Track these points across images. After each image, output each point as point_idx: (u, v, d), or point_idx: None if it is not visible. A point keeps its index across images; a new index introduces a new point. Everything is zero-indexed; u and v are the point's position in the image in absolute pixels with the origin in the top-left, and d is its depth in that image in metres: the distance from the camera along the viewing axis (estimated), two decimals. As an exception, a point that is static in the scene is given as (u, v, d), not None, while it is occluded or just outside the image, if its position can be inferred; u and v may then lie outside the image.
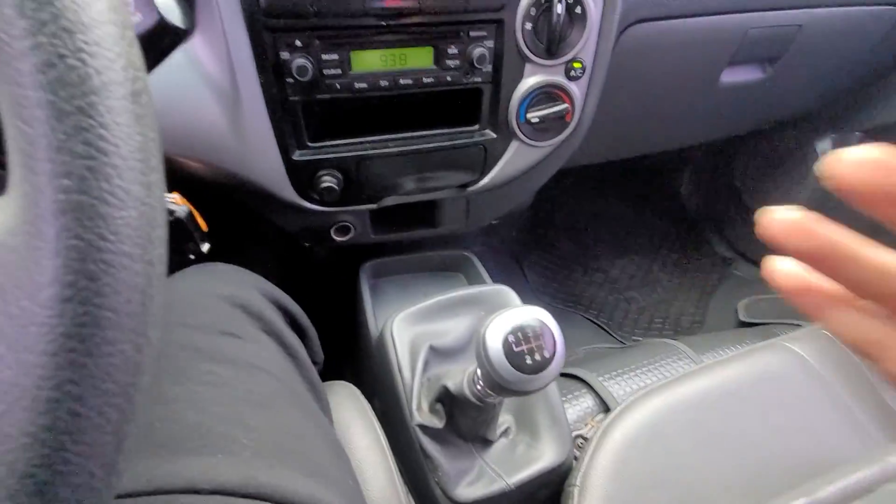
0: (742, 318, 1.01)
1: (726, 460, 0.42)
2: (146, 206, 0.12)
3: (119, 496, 0.24)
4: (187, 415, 0.29)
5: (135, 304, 0.12)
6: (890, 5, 0.68)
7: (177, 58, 0.40)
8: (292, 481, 0.28)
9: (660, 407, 0.46)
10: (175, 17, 0.22)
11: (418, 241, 0.71)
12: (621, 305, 1.12)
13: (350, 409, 0.44)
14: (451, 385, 0.38)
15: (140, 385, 0.12)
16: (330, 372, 0.49)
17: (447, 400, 0.40)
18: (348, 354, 0.64)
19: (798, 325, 0.69)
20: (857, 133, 0.92)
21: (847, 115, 0.93)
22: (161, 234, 0.13)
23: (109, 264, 0.11)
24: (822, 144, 0.97)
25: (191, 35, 0.23)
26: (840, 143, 0.95)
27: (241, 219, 0.66)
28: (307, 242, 0.61)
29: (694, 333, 1.04)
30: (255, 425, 0.30)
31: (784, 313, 0.98)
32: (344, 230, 0.59)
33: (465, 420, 0.40)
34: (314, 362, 0.43)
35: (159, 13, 0.21)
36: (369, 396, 0.47)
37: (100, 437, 0.11)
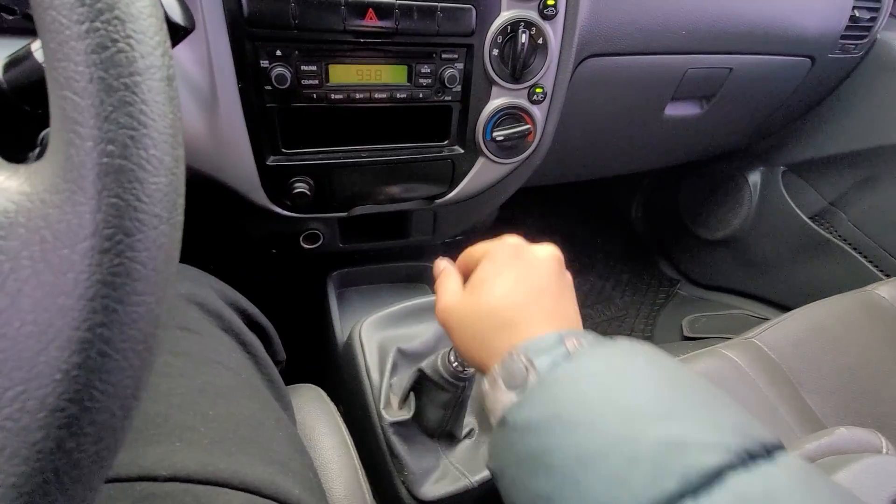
0: (686, 333, 1.08)
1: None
2: (174, 175, 0.13)
3: None
4: (143, 405, 0.28)
5: (160, 261, 0.13)
6: (804, 56, 0.78)
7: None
8: (252, 468, 0.28)
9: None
10: (177, 15, 0.24)
11: (383, 253, 0.73)
12: (577, 321, 1.17)
13: (316, 410, 0.44)
14: (426, 366, 0.40)
15: (157, 337, 0.13)
16: (298, 376, 0.49)
17: (419, 386, 0.42)
18: (316, 359, 0.63)
19: (731, 338, 0.75)
20: (781, 167, 1.04)
21: (773, 150, 1.04)
22: (182, 202, 0.14)
23: (143, 223, 0.12)
24: (753, 176, 1.08)
25: (190, 33, 0.25)
26: (767, 175, 1.06)
27: (204, 223, 0.66)
28: (275, 249, 0.61)
29: (643, 347, 1.10)
30: (214, 415, 0.30)
31: (721, 329, 1.06)
32: (313, 238, 0.60)
33: (434, 411, 0.42)
34: (276, 362, 0.43)
35: (164, 10, 0.22)
36: (336, 400, 0.48)
37: (123, 379, 0.12)
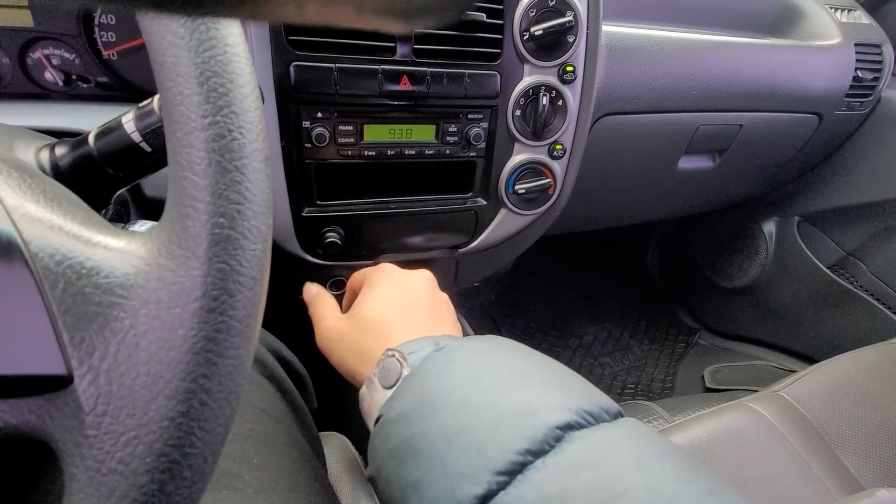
0: (709, 384, 1.05)
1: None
2: (266, 242, 0.15)
3: None
4: None
5: (252, 318, 0.15)
6: (811, 114, 0.81)
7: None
8: None
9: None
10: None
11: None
12: (595, 370, 1.15)
13: (341, 459, 0.44)
14: None
15: (243, 387, 0.15)
16: (325, 423, 0.49)
17: None
18: (340, 406, 0.63)
19: (756, 391, 0.73)
20: (796, 217, 1.05)
21: (787, 201, 1.06)
22: (269, 265, 0.16)
23: (242, 285, 0.14)
24: (767, 226, 1.09)
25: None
26: (782, 225, 1.07)
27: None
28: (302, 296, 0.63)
29: (665, 398, 1.08)
30: (258, 463, 0.30)
31: (745, 380, 1.03)
32: (338, 285, 0.62)
33: None
34: (309, 409, 0.44)
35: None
36: (359, 449, 0.48)
37: (216, 426, 0.14)
